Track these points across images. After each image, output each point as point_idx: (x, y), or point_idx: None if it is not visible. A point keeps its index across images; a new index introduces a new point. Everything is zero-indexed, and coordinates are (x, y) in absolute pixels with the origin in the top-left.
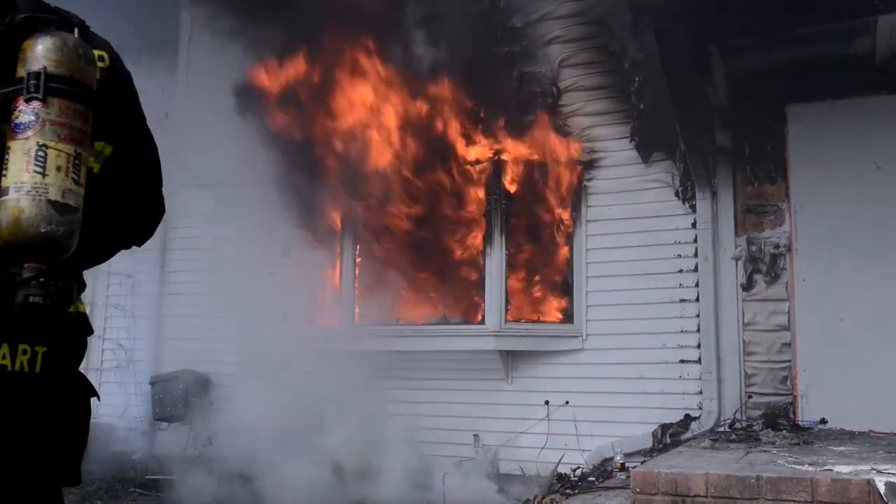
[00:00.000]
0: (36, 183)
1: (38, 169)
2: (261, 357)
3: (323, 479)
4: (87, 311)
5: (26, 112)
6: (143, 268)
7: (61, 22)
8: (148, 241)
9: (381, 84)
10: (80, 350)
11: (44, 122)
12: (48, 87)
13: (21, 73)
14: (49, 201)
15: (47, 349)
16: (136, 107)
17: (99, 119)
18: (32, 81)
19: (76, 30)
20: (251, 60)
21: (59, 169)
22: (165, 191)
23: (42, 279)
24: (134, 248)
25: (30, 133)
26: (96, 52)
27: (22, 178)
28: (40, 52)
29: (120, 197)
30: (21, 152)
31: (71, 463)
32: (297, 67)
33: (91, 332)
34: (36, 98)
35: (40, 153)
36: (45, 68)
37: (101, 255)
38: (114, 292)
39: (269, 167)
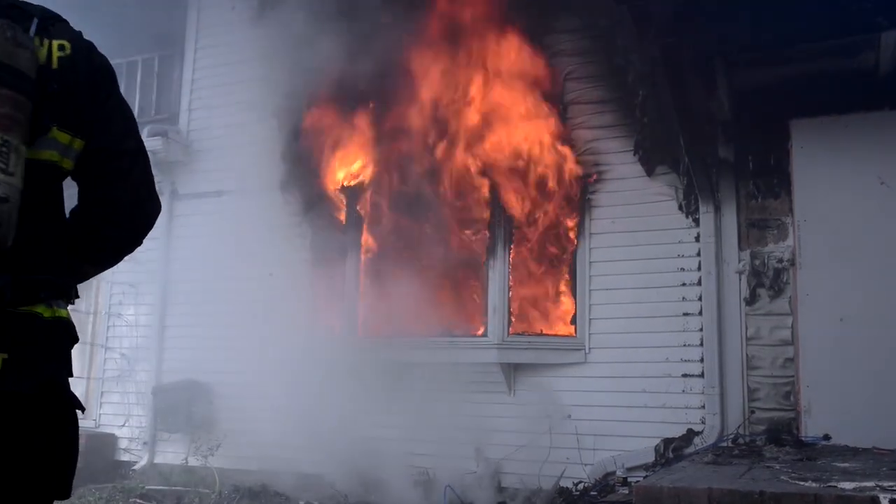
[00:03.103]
0: None
1: None
2: (263, 367)
3: (323, 491)
4: (91, 320)
5: None
6: (146, 277)
7: (15, 12)
8: (154, 252)
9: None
10: (57, 356)
11: None
12: None
13: None
14: None
15: (8, 356)
16: (111, 99)
17: (63, 110)
18: None
19: (35, 20)
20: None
21: None
22: (172, 199)
23: None
24: (137, 257)
25: None
26: (56, 42)
27: None
28: None
29: (105, 195)
30: None
31: (54, 475)
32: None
33: (75, 339)
34: None
35: None
36: None
37: (102, 258)
38: (116, 301)
39: (275, 175)
